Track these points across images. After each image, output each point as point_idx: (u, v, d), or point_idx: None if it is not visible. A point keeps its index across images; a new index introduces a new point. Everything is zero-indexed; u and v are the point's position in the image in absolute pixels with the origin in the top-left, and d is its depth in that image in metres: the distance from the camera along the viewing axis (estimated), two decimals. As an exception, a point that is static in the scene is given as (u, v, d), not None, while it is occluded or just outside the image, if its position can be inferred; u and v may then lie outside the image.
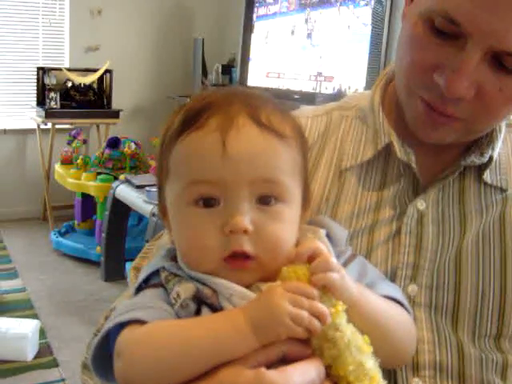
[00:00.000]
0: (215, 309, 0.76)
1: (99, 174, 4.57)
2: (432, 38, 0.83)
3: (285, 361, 0.71)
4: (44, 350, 3.28)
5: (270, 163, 0.77)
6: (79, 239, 4.78)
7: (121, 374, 0.75)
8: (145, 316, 0.75)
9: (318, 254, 0.74)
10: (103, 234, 4.24)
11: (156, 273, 0.83)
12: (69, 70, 5.31)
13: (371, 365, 0.70)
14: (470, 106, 0.84)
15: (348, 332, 0.70)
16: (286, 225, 0.79)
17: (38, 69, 5.29)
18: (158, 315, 0.75)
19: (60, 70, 5.27)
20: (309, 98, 4.30)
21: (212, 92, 0.83)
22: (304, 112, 1.10)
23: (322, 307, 0.70)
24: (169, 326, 0.74)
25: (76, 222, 4.96)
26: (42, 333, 3.42)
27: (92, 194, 4.56)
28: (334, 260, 0.73)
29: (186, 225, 0.80)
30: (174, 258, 0.83)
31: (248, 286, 0.77)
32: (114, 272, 4.23)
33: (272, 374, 0.68)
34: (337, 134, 1.03)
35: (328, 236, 0.86)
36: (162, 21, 5.90)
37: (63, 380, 3.02)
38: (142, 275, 0.84)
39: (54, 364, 3.17)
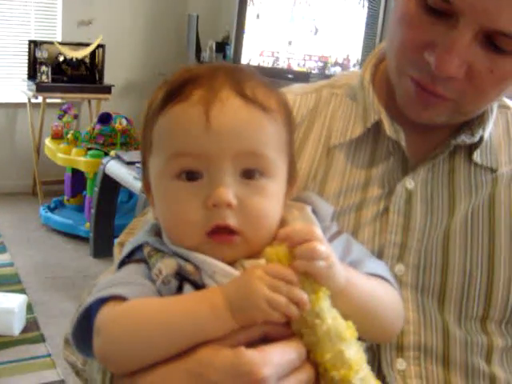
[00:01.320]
0: (198, 286, 0.75)
1: (90, 149, 4.53)
2: (424, 15, 0.82)
3: (266, 340, 0.70)
4: (31, 325, 3.28)
5: (255, 136, 0.76)
6: (68, 215, 4.75)
7: (99, 351, 0.74)
8: (125, 292, 0.74)
9: (310, 239, 0.71)
10: (92, 210, 4.22)
11: (139, 248, 0.81)
12: (61, 43, 5.25)
13: (351, 353, 0.69)
14: (461, 86, 0.83)
15: (328, 319, 0.69)
16: (270, 199, 0.77)
17: (30, 42, 5.23)
18: (138, 291, 0.74)
19: (52, 43, 5.21)
20: (303, 77, 4.28)
21: (196, 66, 0.82)
22: (293, 89, 1.09)
23: (300, 294, 0.69)
24: (148, 304, 0.73)
25: (65, 197, 4.93)
26: (30, 308, 3.41)
27: (82, 169, 4.52)
28: (321, 247, 0.70)
29: (169, 199, 0.78)
30: (158, 233, 0.82)
31: (232, 263, 0.76)
32: (103, 248, 4.21)
33: (250, 353, 0.67)
34: (326, 111, 1.02)
35: (314, 212, 0.85)
36: (156, -4, 5.83)
37: (49, 355, 3.02)
38: (126, 250, 0.83)
39: (41, 339, 3.17)
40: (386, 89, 0.99)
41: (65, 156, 4.59)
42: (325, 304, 0.70)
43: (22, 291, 3.63)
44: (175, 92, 0.78)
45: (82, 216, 4.64)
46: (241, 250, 0.76)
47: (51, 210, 4.84)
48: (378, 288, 0.82)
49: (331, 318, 0.69)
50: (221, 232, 0.75)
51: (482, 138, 0.94)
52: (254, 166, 0.76)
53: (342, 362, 0.68)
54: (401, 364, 0.90)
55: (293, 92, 1.06)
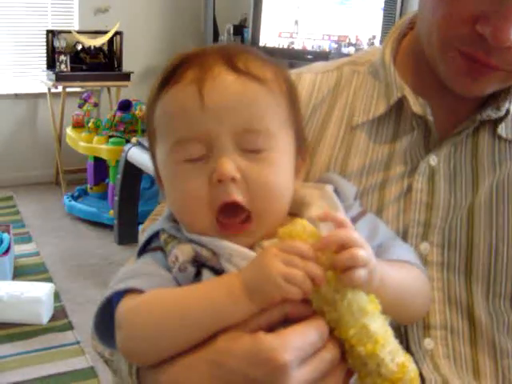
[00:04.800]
0: (216, 271, 0.74)
1: (111, 137, 4.54)
2: None
3: (288, 322, 0.68)
4: (58, 314, 3.30)
5: (251, 109, 0.75)
6: (92, 203, 4.77)
7: (121, 344, 0.74)
8: (141, 284, 0.73)
9: (348, 244, 0.68)
10: (116, 198, 4.23)
11: (157, 235, 0.81)
12: (78, 32, 5.25)
13: (376, 327, 0.67)
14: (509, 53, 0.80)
15: (348, 294, 0.67)
16: (275, 170, 0.76)
17: (48, 32, 5.23)
18: (155, 283, 0.74)
19: (69, 32, 5.21)
20: (322, 58, 4.23)
21: (191, 48, 0.81)
22: (314, 68, 1.07)
23: (316, 268, 0.67)
24: (165, 295, 0.72)
25: (89, 185, 4.94)
26: (57, 296, 3.43)
27: (104, 157, 4.53)
28: (363, 254, 0.68)
29: (176, 181, 0.78)
30: (176, 220, 0.81)
31: (250, 245, 0.75)
32: (128, 235, 4.22)
33: (270, 338, 0.66)
34: (348, 89, 1.00)
35: (336, 192, 0.83)
36: (172, -19, 5.81)
37: (78, 342, 3.04)
38: (143, 238, 0.82)
39: (69, 327, 3.19)
40: (410, 63, 0.97)
41: (86, 144, 4.61)
42: None
43: (49, 280, 3.65)
44: (170, 75, 0.78)
45: (106, 204, 4.66)
46: (258, 235, 0.75)
47: (75, 198, 4.86)
48: (408, 278, 0.81)
49: (351, 292, 0.68)
50: (231, 219, 0.74)
51: (508, 112, 0.92)
52: (255, 140, 0.75)
53: (368, 336, 0.67)
54: (428, 343, 0.89)
55: (313, 71, 1.05)
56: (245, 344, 0.66)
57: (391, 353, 0.68)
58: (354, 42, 4.19)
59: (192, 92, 0.74)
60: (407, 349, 0.87)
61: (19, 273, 3.75)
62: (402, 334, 0.88)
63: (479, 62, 0.82)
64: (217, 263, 0.74)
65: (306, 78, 1.03)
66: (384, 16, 3.89)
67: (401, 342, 0.85)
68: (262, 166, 0.75)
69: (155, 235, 0.81)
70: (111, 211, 4.46)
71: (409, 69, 0.97)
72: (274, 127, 0.76)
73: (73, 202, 4.77)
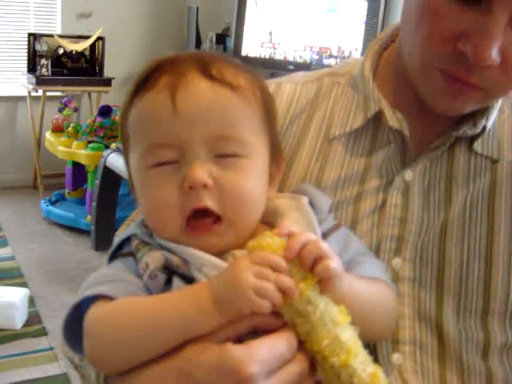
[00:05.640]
0: (187, 279, 0.73)
1: (90, 142, 4.52)
2: (452, 5, 0.78)
3: (258, 333, 0.68)
4: (33, 319, 3.27)
5: (223, 115, 0.75)
6: (70, 208, 4.74)
7: (88, 351, 0.74)
8: (111, 291, 0.73)
9: (310, 243, 0.69)
10: (93, 203, 4.21)
11: (128, 240, 0.81)
12: (60, 36, 5.23)
13: (347, 337, 0.68)
14: (495, 74, 0.80)
15: (320, 305, 0.67)
16: (248, 177, 0.76)
17: (29, 35, 5.20)
18: (125, 289, 0.73)
19: (51, 36, 5.19)
20: (303, 69, 4.25)
21: (165, 55, 0.81)
22: (294, 78, 1.07)
23: (288, 280, 0.67)
24: (134, 303, 0.72)
25: (67, 190, 4.92)
26: (31, 301, 3.41)
27: (83, 162, 4.51)
28: (325, 245, 0.69)
29: (146, 186, 0.77)
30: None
31: (222, 253, 0.75)
32: (105, 241, 4.19)
33: (236, 349, 0.65)
34: (327, 100, 1.00)
35: (311, 204, 0.83)
36: (155, -12, 5.81)
37: (52, 348, 3.02)
38: (115, 243, 0.82)
39: (43, 332, 3.16)
40: (390, 77, 0.97)
41: (65, 149, 4.58)
42: (315, 290, 0.68)
43: (24, 285, 3.62)
44: (144, 81, 0.77)
45: (83, 209, 4.63)
46: (227, 238, 0.75)
47: (52, 203, 4.84)
48: (376, 292, 0.81)
49: (323, 303, 0.68)
50: (200, 220, 0.74)
51: (484, 128, 0.92)
52: (227, 147, 0.75)
53: (340, 346, 0.67)
54: (397, 358, 0.89)
55: (293, 81, 1.05)
56: (212, 355, 0.66)
57: (363, 363, 0.68)
58: (335, 53, 4.22)
59: (165, 98, 0.74)
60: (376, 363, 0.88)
61: (-7, 277, 3.72)
62: (371, 349, 0.87)
63: (460, 81, 0.82)
64: (187, 271, 0.73)
65: (285, 87, 1.03)
66: (365, 29, 3.92)
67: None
68: (235, 173, 0.75)
69: (127, 240, 0.81)
70: (89, 217, 4.44)
71: (388, 82, 0.97)
72: (247, 134, 0.76)
73: (50, 207, 4.75)
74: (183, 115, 0.73)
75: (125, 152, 0.83)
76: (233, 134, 0.75)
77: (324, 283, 0.69)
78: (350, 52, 4.10)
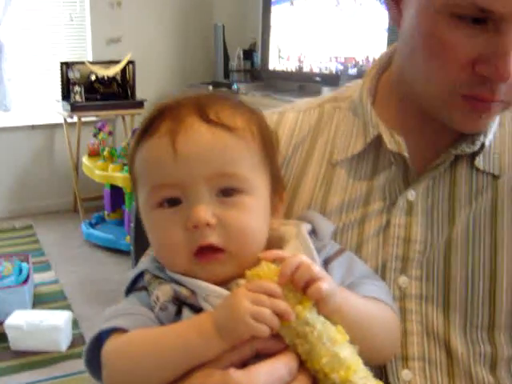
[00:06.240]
0: (196, 309, 0.77)
1: (126, 164, 4.58)
2: (460, 31, 0.80)
3: (262, 357, 0.72)
4: (77, 341, 3.35)
5: (222, 156, 0.78)
6: (109, 230, 4.84)
7: (106, 381, 0.79)
8: (125, 324, 0.78)
9: (301, 267, 0.73)
10: (132, 224, 4.25)
11: (142, 275, 0.85)
12: (92, 63, 5.35)
13: (347, 354, 0.71)
14: (510, 86, 0.82)
15: (318, 325, 0.71)
16: (250, 214, 0.80)
17: (62, 64, 5.33)
18: (138, 322, 0.78)
19: (83, 63, 5.31)
20: (331, 80, 4.28)
21: (168, 99, 0.85)
22: (297, 106, 1.10)
23: (283, 304, 0.71)
24: (144, 335, 0.76)
25: (106, 212, 5.02)
26: (75, 323, 3.48)
27: (119, 184, 4.59)
28: (316, 267, 0.73)
29: (154, 226, 0.82)
30: None
31: (227, 283, 0.78)
32: (144, 261, 4.25)
33: (238, 374, 0.69)
34: (329, 126, 1.02)
35: (313, 231, 0.87)
36: (181, 9, 5.90)
37: (96, 369, 3.07)
38: (129, 278, 0.87)
39: (88, 353, 3.22)
40: (388, 99, 0.98)
41: (102, 173, 4.68)
42: (312, 311, 0.72)
43: (68, 307, 3.71)
44: (147, 127, 0.82)
45: (123, 230, 4.72)
46: (231, 266, 0.79)
47: (92, 225, 4.94)
48: (374, 309, 0.82)
49: (320, 323, 0.72)
50: (206, 252, 0.78)
51: (483, 145, 0.93)
52: (228, 184, 0.79)
53: (340, 363, 0.70)
54: (406, 375, 0.90)
55: (296, 109, 1.08)
56: (216, 380, 0.70)
57: (363, 378, 0.71)
58: (361, 63, 4.24)
59: (166, 143, 0.78)
60: (385, 381, 0.89)
61: (38, 301, 3.81)
62: (381, 366, 0.90)
63: (485, 101, 0.83)
64: (195, 302, 0.77)
65: (288, 116, 1.06)
66: (388, 36, 3.93)
67: (379, 374, 0.87)
68: (237, 211, 0.79)
69: (140, 275, 0.86)
70: (128, 237, 4.51)
71: (388, 105, 0.98)
72: (246, 171, 0.80)
73: (91, 230, 4.85)
74: (183, 158, 0.77)
75: (135, 193, 0.88)
76: (233, 171, 0.79)
77: (318, 301, 0.73)
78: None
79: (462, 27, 0.80)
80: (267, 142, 0.86)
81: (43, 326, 3.24)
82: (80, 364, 2.99)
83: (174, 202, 0.80)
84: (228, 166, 0.79)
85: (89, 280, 4.25)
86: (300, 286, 0.72)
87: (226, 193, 0.79)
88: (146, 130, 0.82)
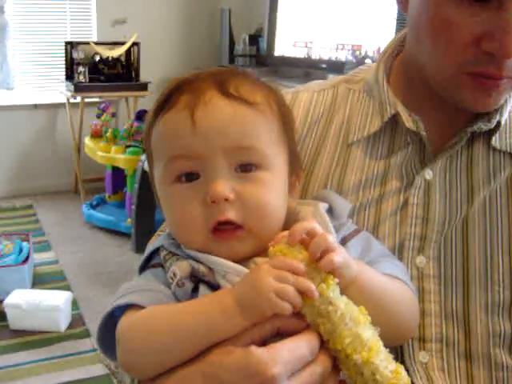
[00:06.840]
0: (213, 286, 0.76)
1: (128, 146, 4.59)
2: (463, 10, 0.81)
3: (282, 335, 0.71)
4: (76, 321, 3.35)
5: (240, 130, 0.77)
6: (110, 211, 4.83)
7: (120, 358, 0.77)
8: (141, 300, 0.76)
9: (313, 234, 0.72)
10: (133, 206, 4.27)
11: (157, 252, 0.84)
12: (96, 43, 5.32)
13: (369, 335, 0.70)
14: None
15: (341, 305, 0.70)
16: (268, 189, 0.78)
17: (66, 43, 5.31)
18: (154, 298, 0.77)
19: (88, 43, 5.27)
20: (336, 67, 4.26)
21: (186, 74, 0.84)
22: (310, 87, 1.10)
23: (307, 282, 0.69)
24: (161, 311, 0.75)
25: (107, 194, 5.01)
26: (75, 304, 3.49)
27: (121, 166, 4.59)
28: (331, 238, 0.72)
29: (171, 201, 0.81)
30: None
31: (245, 261, 0.77)
32: (145, 244, 4.14)
33: (260, 352, 0.68)
34: (344, 107, 1.03)
35: (330, 210, 0.86)
36: (188, -9, 5.87)
37: (95, 350, 3.08)
38: (145, 254, 0.85)
39: (86, 334, 3.24)
40: (403, 81, 0.99)
41: (104, 154, 4.67)
42: (335, 291, 0.71)
43: (67, 288, 3.71)
44: (164, 101, 0.81)
45: (124, 212, 4.71)
46: (249, 244, 0.78)
47: (93, 207, 4.93)
48: (392, 285, 0.82)
49: (343, 303, 0.70)
50: (224, 229, 0.77)
51: (499, 123, 0.93)
52: (247, 159, 0.78)
53: (362, 344, 0.69)
54: (423, 357, 0.90)
55: (309, 89, 1.08)
56: (236, 358, 0.68)
57: (384, 360, 0.70)
58: (368, 51, 4.21)
59: (184, 117, 0.77)
60: (401, 362, 0.86)
61: (38, 281, 3.82)
62: (397, 348, 0.89)
63: (493, 78, 0.84)
64: (213, 279, 0.76)
65: (302, 96, 1.06)
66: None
67: (396, 356, 0.84)
68: (256, 186, 0.77)
69: (156, 252, 0.84)
70: (129, 220, 4.51)
71: (402, 86, 0.99)
72: (265, 146, 0.79)
73: (91, 211, 4.84)
74: (202, 131, 0.76)
75: (150, 169, 0.86)
76: (251, 144, 0.78)
77: (333, 272, 0.71)
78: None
79: (465, 6, 0.81)
80: (286, 119, 0.85)
81: (42, 305, 3.24)
82: (79, 344, 3.01)
83: (191, 177, 0.78)
84: (247, 140, 0.78)
85: (89, 261, 4.24)
86: (315, 256, 0.71)
87: (245, 168, 0.78)
88: (164, 105, 0.81)
